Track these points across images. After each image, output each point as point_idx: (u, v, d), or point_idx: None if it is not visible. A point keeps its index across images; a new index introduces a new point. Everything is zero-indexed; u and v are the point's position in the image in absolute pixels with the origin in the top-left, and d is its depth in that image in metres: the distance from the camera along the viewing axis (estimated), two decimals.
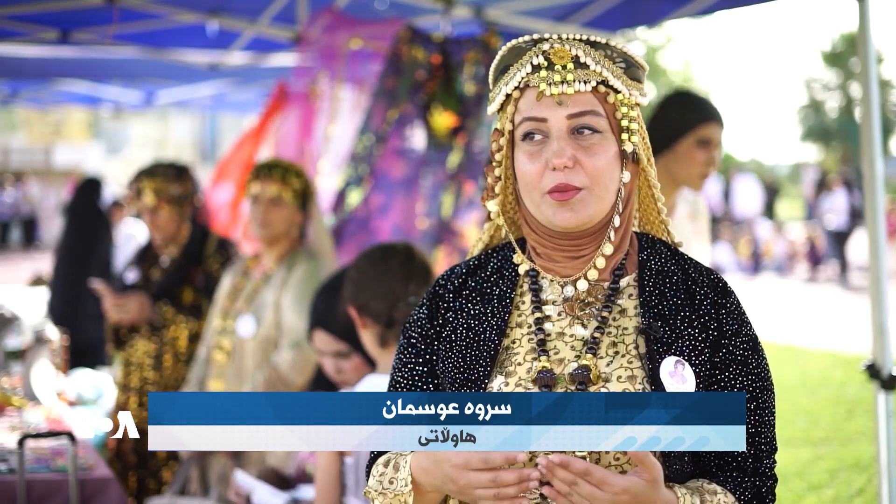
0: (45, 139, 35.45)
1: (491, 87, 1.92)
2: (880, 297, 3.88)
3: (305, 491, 3.30)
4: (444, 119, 4.73)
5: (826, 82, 40.15)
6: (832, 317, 13.74)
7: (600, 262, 1.88)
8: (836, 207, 18.89)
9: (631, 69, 1.87)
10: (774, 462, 1.89)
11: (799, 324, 13.15)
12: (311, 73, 5.34)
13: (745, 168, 27.79)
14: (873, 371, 3.87)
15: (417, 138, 4.80)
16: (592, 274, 1.88)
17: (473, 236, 4.79)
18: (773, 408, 1.88)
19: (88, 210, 7.73)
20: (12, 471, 3.46)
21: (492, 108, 1.92)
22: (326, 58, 5.17)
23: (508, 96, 1.88)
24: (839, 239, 18.70)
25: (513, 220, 1.99)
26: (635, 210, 1.98)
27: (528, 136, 1.85)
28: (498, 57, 1.89)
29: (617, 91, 1.85)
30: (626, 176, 1.86)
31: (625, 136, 1.85)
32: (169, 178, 4.67)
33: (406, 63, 4.78)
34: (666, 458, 1.78)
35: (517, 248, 1.95)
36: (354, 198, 4.80)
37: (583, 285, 1.87)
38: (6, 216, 26.22)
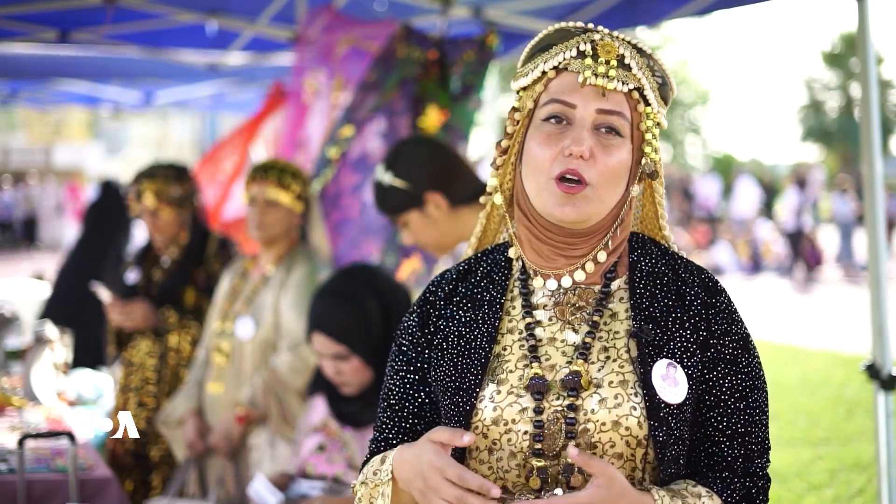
0: (45, 139, 35.47)
1: (522, 63, 1.88)
2: (880, 298, 3.88)
3: (302, 487, 3.30)
4: (435, 116, 4.71)
5: (826, 82, 40.19)
6: (832, 317, 13.73)
7: (590, 267, 1.86)
8: (787, 208, 19.06)
9: (664, 88, 1.87)
10: (767, 462, 1.86)
11: (799, 324, 13.14)
12: (308, 71, 5.33)
13: (745, 169, 27.80)
14: (873, 371, 3.87)
15: (403, 127, 4.76)
16: (579, 275, 1.86)
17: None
18: (766, 407, 1.87)
19: (113, 211, 7.71)
20: (12, 471, 3.45)
21: (520, 83, 1.87)
22: (324, 57, 5.17)
23: (543, 73, 1.84)
24: (792, 239, 18.88)
25: (509, 203, 1.94)
26: (636, 222, 1.97)
27: (550, 118, 1.82)
28: (541, 35, 1.86)
29: (648, 103, 1.84)
30: (636, 190, 1.86)
31: (648, 149, 1.84)
32: (169, 179, 4.66)
33: (399, 59, 4.76)
34: (661, 462, 1.76)
35: (511, 230, 1.91)
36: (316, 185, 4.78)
37: (567, 282, 1.86)
38: (6, 216, 26.22)
